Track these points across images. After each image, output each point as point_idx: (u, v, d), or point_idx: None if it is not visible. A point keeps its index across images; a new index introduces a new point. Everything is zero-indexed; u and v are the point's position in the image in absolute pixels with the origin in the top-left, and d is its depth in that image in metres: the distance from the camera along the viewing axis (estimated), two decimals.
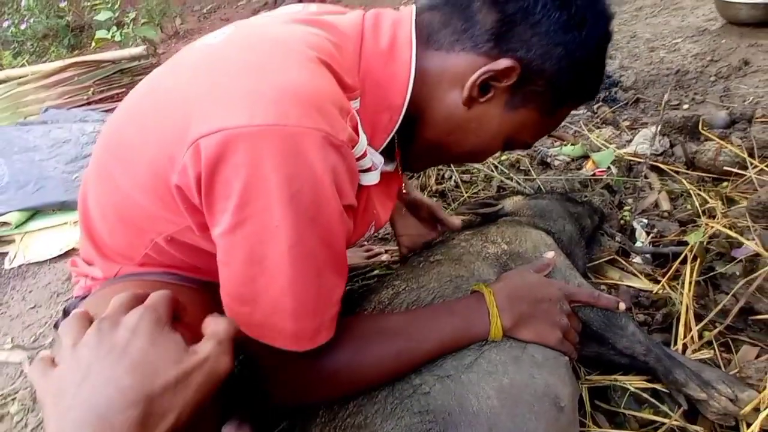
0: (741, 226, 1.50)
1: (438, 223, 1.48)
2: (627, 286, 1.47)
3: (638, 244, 1.62)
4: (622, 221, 1.70)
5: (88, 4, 4.13)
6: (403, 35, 0.92)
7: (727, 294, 1.32)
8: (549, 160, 2.12)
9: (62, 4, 4.79)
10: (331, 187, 0.77)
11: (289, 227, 0.75)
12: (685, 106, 2.39)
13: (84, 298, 1.01)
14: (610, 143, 2.17)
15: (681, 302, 1.33)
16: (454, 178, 2.10)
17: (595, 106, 2.51)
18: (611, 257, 1.57)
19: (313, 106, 0.75)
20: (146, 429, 0.56)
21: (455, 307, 1.02)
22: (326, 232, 0.80)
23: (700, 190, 1.77)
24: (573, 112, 2.47)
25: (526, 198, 1.54)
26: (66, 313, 1.04)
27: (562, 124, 2.39)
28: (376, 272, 1.67)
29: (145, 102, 0.90)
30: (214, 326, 0.67)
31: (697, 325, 1.28)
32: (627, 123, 2.35)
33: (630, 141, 2.17)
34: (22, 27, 4.63)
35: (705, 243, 1.46)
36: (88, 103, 3.18)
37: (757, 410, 1.04)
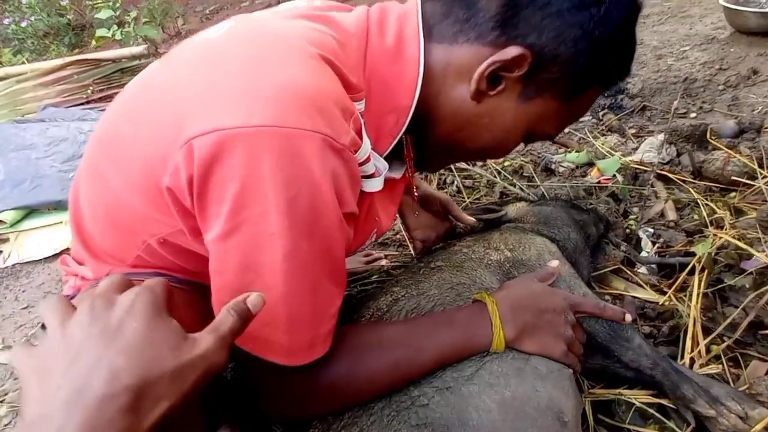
0: (750, 237, 1.46)
1: (451, 218, 1.44)
2: (632, 296, 1.43)
3: (644, 253, 1.59)
4: (627, 230, 1.67)
5: (90, 2, 4.12)
6: (410, 31, 0.88)
7: (736, 307, 1.29)
8: (553, 166, 2.09)
9: (63, 2, 4.79)
10: (330, 194, 0.74)
11: (285, 235, 0.71)
12: (693, 115, 2.35)
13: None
14: (616, 151, 2.14)
15: (688, 315, 1.29)
16: (456, 183, 2.07)
17: (601, 113, 2.48)
18: (616, 267, 1.53)
19: (314, 106, 0.71)
20: (137, 415, 0.53)
21: (456, 317, 0.98)
22: (324, 241, 0.76)
23: (707, 199, 1.73)
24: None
25: (529, 204, 1.51)
26: None
27: (567, 130, 2.38)
28: (375, 277, 1.63)
29: (140, 98, 0.86)
30: (222, 318, 0.64)
31: (704, 339, 1.24)
32: (633, 131, 2.31)
33: (636, 149, 2.13)
34: (23, 25, 4.62)
35: (713, 254, 1.43)
36: (87, 102, 3.15)
37: (767, 429, 1.00)
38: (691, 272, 1.42)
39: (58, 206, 2.37)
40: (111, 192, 0.86)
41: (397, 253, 1.82)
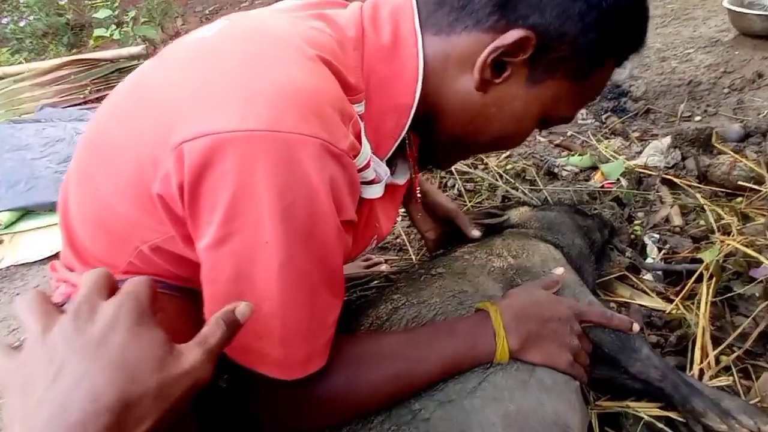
0: (759, 244, 1.43)
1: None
2: (639, 304, 1.40)
3: (649, 260, 1.55)
4: (632, 236, 1.63)
5: (89, 2, 4.10)
6: (405, 26, 0.84)
7: (746, 316, 1.26)
8: (556, 170, 2.05)
9: (62, 2, 4.76)
10: (328, 201, 0.70)
11: (280, 244, 0.68)
12: (697, 118, 2.32)
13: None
14: (619, 154, 2.11)
15: (696, 324, 1.26)
16: (457, 186, 2.04)
17: (604, 116, 2.45)
18: (621, 273, 1.50)
19: (312, 109, 0.68)
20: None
21: (459, 327, 0.95)
22: (321, 250, 0.73)
23: (713, 205, 1.70)
24: (580, 121, 2.41)
25: (533, 209, 1.48)
26: None
27: (570, 133, 2.35)
28: (374, 283, 1.59)
29: (130, 99, 0.83)
30: (210, 329, 0.61)
31: (714, 349, 1.21)
32: (637, 134, 2.28)
33: (640, 152, 2.10)
34: (22, 24, 4.60)
35: (721, 261, 1.39)
36: (85, 102, 3.12)
37: None
38: (698, 280, 1.38)
39: (54, 207, 2.32)
40: (100, 196, 0.83)
41: (397, 257, 1.78)
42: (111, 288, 0.60)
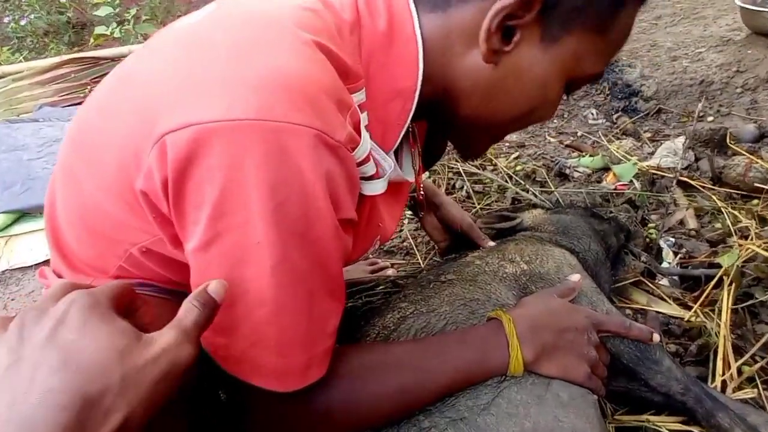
0: None
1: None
2: (656, 311, 1.34)
3: (665, 264, 1.50)
4: (647, 240, 1.58)
5: (90, 0, 4.07)
6: (400, 7, 0.78)
7: None
8: (567, 171, 2.01)
9: (63, 0, 4.74)
10: (324, 197, 0.65)
11: (272, 244, 0.63)
12: (710, 118, 2.28)
13: None
14: (631, 155, 2.06)
15: (717, 332, 1.21)
16: (465, 188, 1.99)
17: (615, 116, 2.41)
18: (636, 279, 1.45)
19: (305, 97, 0.63)
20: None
21: (469, 337, 0.90)
22: (318, 250, 0.67)
23: (729, 207, 1.65)
24: (591, 121, 2.37)
25: (546, 212, 1.43)
26: None
27: (580, 133, 2.30)
28: (380, 288, 1.54)
29: (114, 92, 0.77)
30: (184, 311, 0.58)
31: (736, 360, 1.16)
32: (648, 134, 2.24)
33: (651, 153, 2.06)
34: (22, 23, 4.58)
35: (740, 266, 1.34)
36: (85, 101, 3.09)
37: None
38: (717, 285, 1.34)
39: None
40: (84, 195, 0.78)
41: (404, 261, 1.74)
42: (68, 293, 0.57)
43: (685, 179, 1.83)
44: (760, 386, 1.11)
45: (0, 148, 2.43)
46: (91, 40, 3.73)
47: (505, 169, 2.05)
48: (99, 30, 3.49)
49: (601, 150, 2.16)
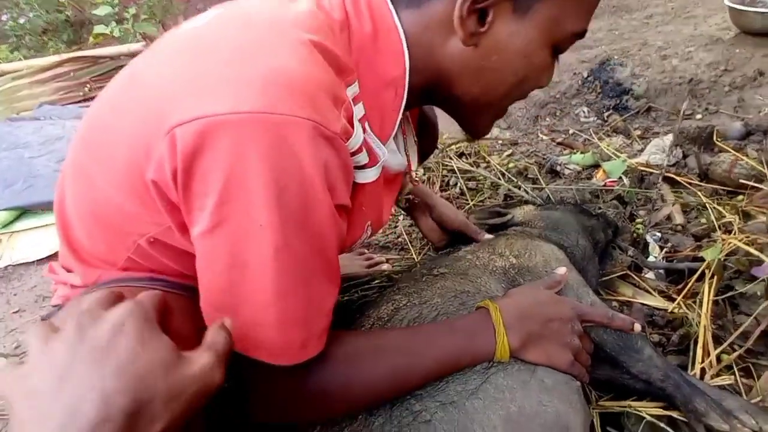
0: (761, 242, 1.42)
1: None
2: (641, 303, 1.39)
3: (651, 258, 1.55)
4: (634, 234, 1.63)
5: None
6: (378, 3, 0.84)
7: (747, 315, 1.25)
8: (558, 168, 2.06)
9: None
10: (322, 184, 0.70)
11: (274, 228, 0.68)
12: (699, 116, 2.33)
13: (63, 307, 0.93)
14: (621, 152, 2.11)
15: (698, 323, 1.26)
16: (459, 185, 2.04)
17: (606, 114, 2.45)
18: (623, 272, 1.50)
19: (304, 94, 0.68)
20: None
21: (458, 324, 0.95)
22: (316, 234, 0.73)
23: (714, 203, 1.70)
24: (582, 119, 2.42)
25: (537, 208, 1.48)
26: None
27: (572, 131, 2.35)
28: (376, 282, 1.59)
29: (124, 91, 0.82)
30: (214, 335, 0.63)
31: (715, 348, 1.21)
32: (638, 132, 2.29)
33: (641, 150, 2.11)
34: (21, 21, 4.60)
35: (722, 260, 1.39)
36: (84, 100, 3.13)
37: None
38: (700, 278, 1.38)
39: (52, 207, 2.32)
40: (96, 190, 0.82)
41: (398, 257, 1.79)
42: (115, 302, 0.61)
43: (672, 176, 1.88)
44: (737, 373, 1.16)
45: (2, 146, 2.47)
46: (90, 38, 3.76)
47: (497, 166, 2.10)
48: (98, 29, 3.52)
49: (592, 147, 2.20)
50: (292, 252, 0.71)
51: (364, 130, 0.85)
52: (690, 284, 1.38)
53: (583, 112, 2.51)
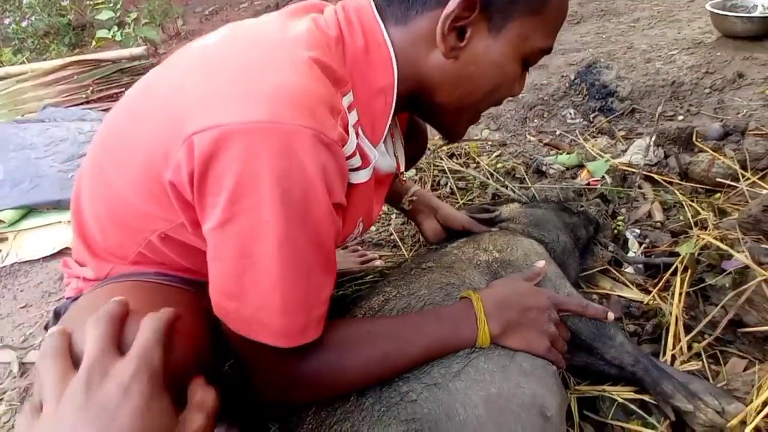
0: (732, 238, 1.50)
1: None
2: (618, 296, 1.47)
3: (630, 254, 1.63)
4: (615, 231, 1.71)
5: (90, 3, 4.13)
6: (370, 23, 0.94)
7: (717, 306, 1.32)
8: (544, 168, 2.13)
9: (64, 3, 4.79)
10: (321, 185, 0.79)
11: (279, 224, 0.76)
12: (680, 118, 2.40)
13: (75, 299, 1.01)
14: (606, 153, 2.18)
15: (671, 313, 1.34)
16: (449, 184, 2.11)
17: (591, 116, 2.52)
18: (604, 267, 1.58)
19: (306, 106, 0.77)
20: None
21: (443, 313, 1.03)
22: (316, 230, 0.81)
23: (692, 201, 1.77)
24: (569, 120, 2.49)
25: (522, 206, 1.55)
26: (56, 315, 1.04)
27: (558, 132, 2.42)
28: (369, 278, 1.67)
29: (141, 101, 0.92)
30: (202, 395, 0.68)
31: (686, 337, 1.28)
32: (622, 133, 2.36)
33: (625, 151, 2.18)
34: (24, 24, 4.63)
35: (696, 254, 1.47)
36: (87, 102, 3.18)
37: (743, 423, 1.04)
38: (675, 272, 1.45)
39: (58, 206, 2.40)
40: (112, 190, 0.91)
41: (391, 253, 1.85)
42: (119, 335, 0.65)
43: (652, 175, 1.95)
44: (705, 359, 1.24)
45: (9, 147, 2.53)
46: (93, 42, 3.80)
47: (486, 166, 2.17)
48: (101, 33, 3.57)
49: (577, 148, 2.28)
50: (294, 245, 0.78)
51: (358, 135, 0.93)
52: (664, 278, 1.46)
53: (570, 113, 2.58)
